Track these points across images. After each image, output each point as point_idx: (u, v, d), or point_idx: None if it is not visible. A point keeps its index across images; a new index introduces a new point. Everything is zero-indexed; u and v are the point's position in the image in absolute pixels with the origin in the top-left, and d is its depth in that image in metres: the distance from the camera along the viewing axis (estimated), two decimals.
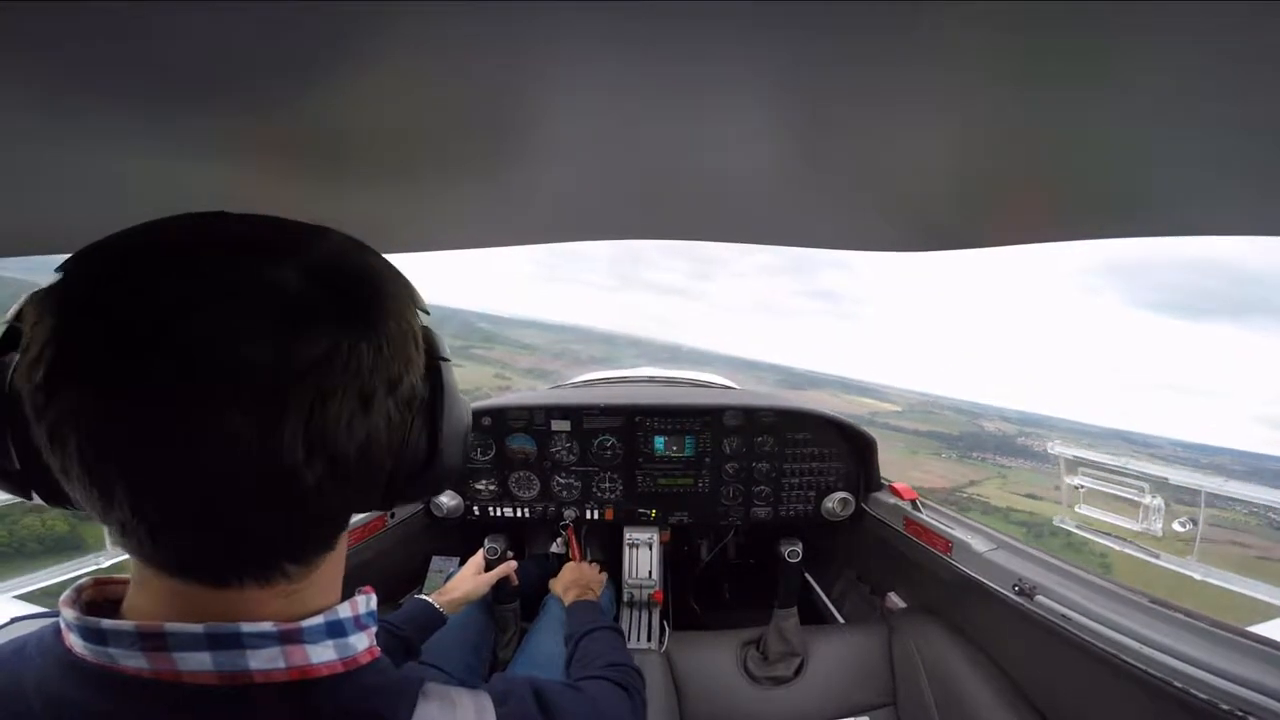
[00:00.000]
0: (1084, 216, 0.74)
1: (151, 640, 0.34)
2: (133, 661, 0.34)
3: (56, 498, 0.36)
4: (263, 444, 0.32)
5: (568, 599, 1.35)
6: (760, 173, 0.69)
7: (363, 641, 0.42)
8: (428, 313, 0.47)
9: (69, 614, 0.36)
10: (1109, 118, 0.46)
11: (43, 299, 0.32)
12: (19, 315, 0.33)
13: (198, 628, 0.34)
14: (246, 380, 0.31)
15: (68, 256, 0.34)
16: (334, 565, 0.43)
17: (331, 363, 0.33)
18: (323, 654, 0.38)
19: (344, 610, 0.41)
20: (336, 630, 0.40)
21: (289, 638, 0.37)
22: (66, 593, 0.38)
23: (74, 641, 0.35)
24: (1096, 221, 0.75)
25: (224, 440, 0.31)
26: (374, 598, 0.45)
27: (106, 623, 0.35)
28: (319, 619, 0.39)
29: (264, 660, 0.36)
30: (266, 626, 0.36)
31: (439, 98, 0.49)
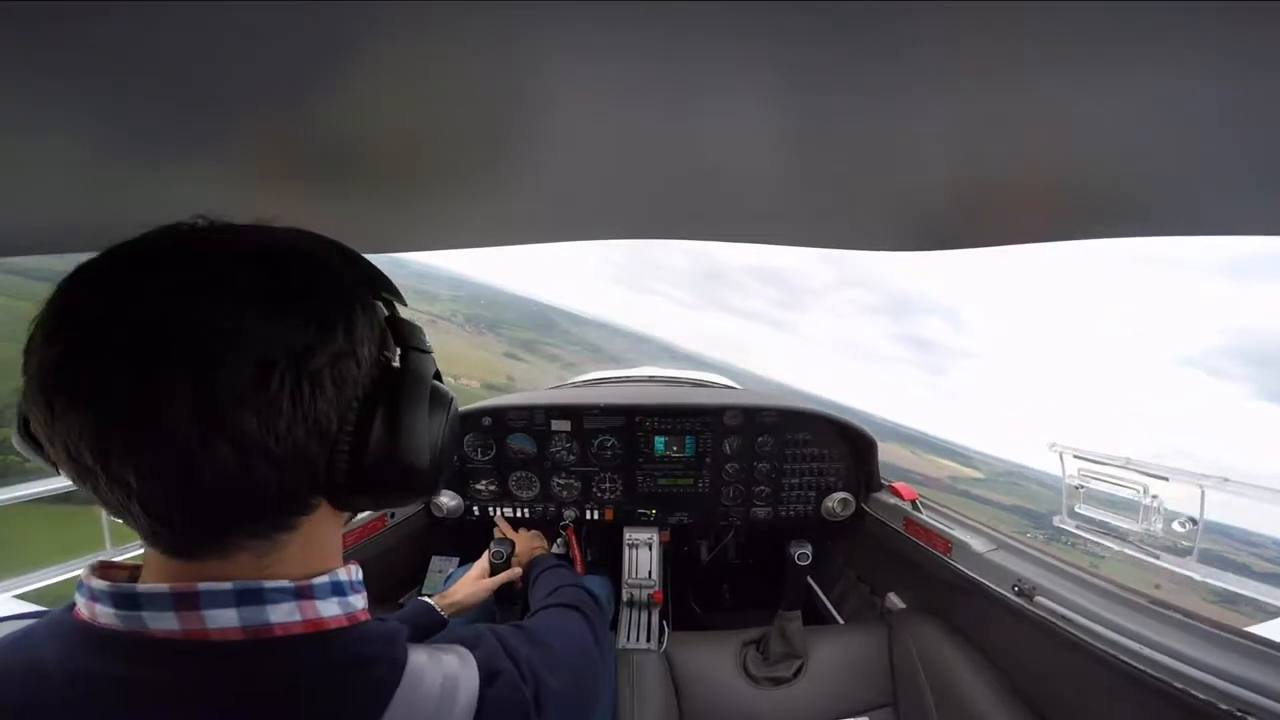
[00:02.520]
0: (1085, 216, 0.74)
1: (185, 600, 0.36)
2: (163, 624, 0.36)
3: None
4: (156, 416, 0.33)
5: (521, 565, 1.33)
6: (761, 173, 0.69)
7: (360, 601, 0.45)
8: (404, 303, 0.48)
9: (100, 583, 0.37)
10: (1110, 117, 0.46)
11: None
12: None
13: (227, 585, 0.37)
14: (173, 355, 0.33)
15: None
16: (307, 543, 0.43)
17: (224, 334, 0.34)
18: (330, 609, 0.42)
19: (343, 574, 0.45)
20: (339, 590, 0.43)
21: (303, 593, 0.40)
22: (86, 569, 0.39)
23: (101, 611, 0.37)
24: (1097, 221, 0.75)
25: (153, 420, 0.33)
26: (360, 569, 0.48)
27: (141, 586, 0.37)
28: (325, 579, 0.42)
29: (283, 614, 0.39)
30: (284, 583, 0.39)
31: (441, 99, 0.49)
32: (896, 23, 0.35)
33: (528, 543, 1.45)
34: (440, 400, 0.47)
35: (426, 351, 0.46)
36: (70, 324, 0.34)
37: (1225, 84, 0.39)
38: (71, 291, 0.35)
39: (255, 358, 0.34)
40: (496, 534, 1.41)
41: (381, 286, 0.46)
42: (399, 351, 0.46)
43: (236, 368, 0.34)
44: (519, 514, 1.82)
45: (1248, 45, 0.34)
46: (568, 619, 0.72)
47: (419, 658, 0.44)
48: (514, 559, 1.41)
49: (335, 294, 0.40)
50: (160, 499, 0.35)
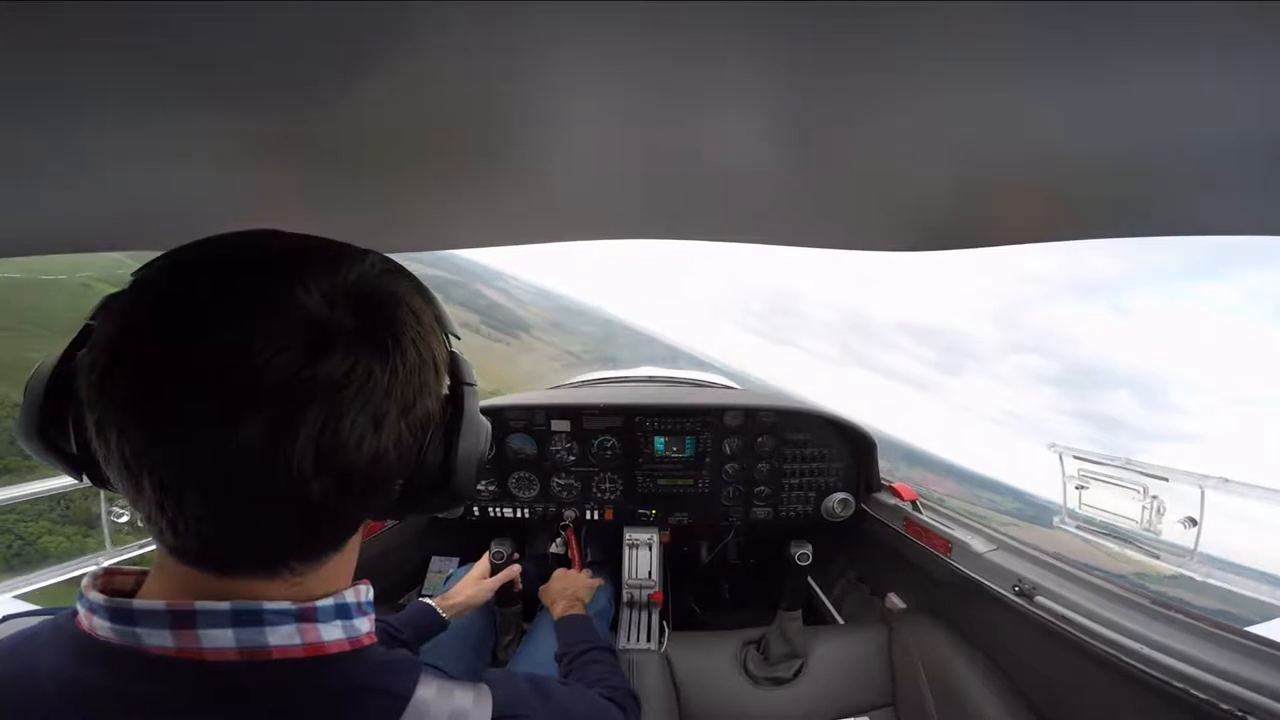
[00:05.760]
0: (1084, 216, 0.74)
1: (181, 618, 0.36)
2: (158, 641, 0.35)
3: (101, 481, 0.38)
4: (273, 454, 0.33)
5: (555, 611, 1.28)
6: (760, 173, 0.70)
7: (365, 625, 0.44)
8: (458, 337, 0.50)
9: (96, 597, 0.37)
10: (1109, 117, 0.46)
11: (109, 305, 0.36)
12: (94, 315, 0.36)
13: (224, 605, 0.36)
14: (263, 394, 0.33)
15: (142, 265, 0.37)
16: (344, 559, 0.45)
17: (346, 384, 0.35)
18: (332, 633, 0.41)
19: (349, 596, 0.44)
20: (344, 613, 0.43)
21: (304, 616, 0.40)
22: (87, 579, 0.39)
23: (97, 624, 0.36)
24: (1097, 220, 0.75)
25: (236, 448, 0.33)
26: (370, 589, 0.48)
27: (138, 603, 0.36)
28: (329, 601, 0.42)
29: (282, 637, 0.38)
30: (286, 605, 0.39)
31: (443, 100, 0.50)
32: (897, 21, 0.35)
33: (571, 583, 1.40)
34: (481, 433, 0.51)
35: (474, 385, 0.50)
36: (148, 348, 0.33)
37: (1224, 84, 0.39)
38: (147, 309, 0.35)
39: (372, 411, 0.36)
40: (495, 544, 1.39)
41: (446, 325, 0.48)
42: (450, 384, 0.48)
43: (355, 420, 0.36)
44: (519, 514, 1.82)
45: (1247, 46, 0.34)
46: (614, 712, 0.69)
47: (426, 691, 0.43)
48: (544, 591, 1.39)
49: (431, 341, 0.43)
50: (224, 522, 0.35)
